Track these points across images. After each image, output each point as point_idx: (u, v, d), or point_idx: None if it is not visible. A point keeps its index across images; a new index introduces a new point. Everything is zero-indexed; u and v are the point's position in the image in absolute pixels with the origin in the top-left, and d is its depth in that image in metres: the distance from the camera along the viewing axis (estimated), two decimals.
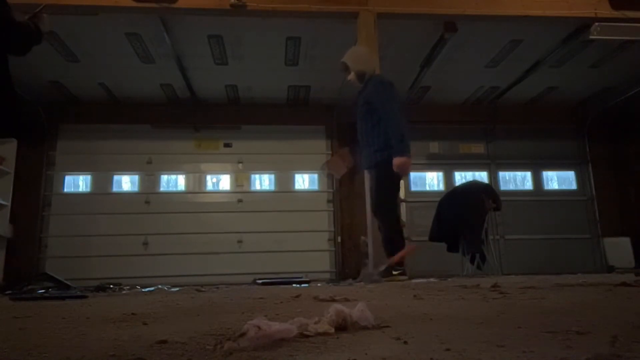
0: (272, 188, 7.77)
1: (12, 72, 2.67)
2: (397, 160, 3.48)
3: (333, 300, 1.84)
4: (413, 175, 8.02)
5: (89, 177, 7.52)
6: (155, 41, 5.72)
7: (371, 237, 4.56)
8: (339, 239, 7.53)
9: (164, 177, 7.62)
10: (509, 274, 6.46)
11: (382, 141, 3.58)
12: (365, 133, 3.71)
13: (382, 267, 3.70)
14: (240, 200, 7.56)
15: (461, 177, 7.99)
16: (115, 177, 7.56)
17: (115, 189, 7.54)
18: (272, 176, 7.77)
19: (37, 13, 3.02)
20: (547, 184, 8.20)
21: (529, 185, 8.17)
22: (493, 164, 8.12)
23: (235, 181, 7.66)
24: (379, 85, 3.66)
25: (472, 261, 5.62)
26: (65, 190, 7.46)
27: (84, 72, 6.52)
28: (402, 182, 8.08)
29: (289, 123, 7.78)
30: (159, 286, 4.49)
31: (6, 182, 6.84)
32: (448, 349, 0.84)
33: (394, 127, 3.52)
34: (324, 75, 6.83)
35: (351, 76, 3.79)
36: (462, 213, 5.60)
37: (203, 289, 3.44)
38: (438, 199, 6.10)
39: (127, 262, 7.09)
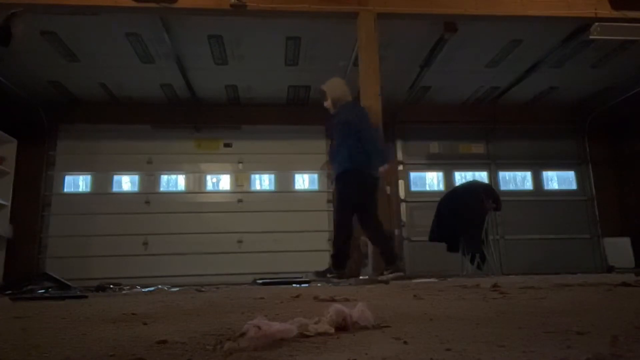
0: (272, 188, 7.77)
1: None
2: (382, 169, 4.07)
3: (333, 300, 1.84)
4: (413, 175, 8.02)
5: (89, 177, 7.52)
6: (155, 41, 5.72)
7: None
8: None
9: (164, 177, 7.62)
10: (509, 274, 6.46)
11: (345, 157, 4.04)
12: (336, 150, 4.19)
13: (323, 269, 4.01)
14: (240, 200, 7.56)
15: (461, 177, 7.99)
16: (115, 177, 7.56)
17: (115, 189, 7.54)
18: (272, 176, 7.78)
19: (13, 15, 2.95)
20: (547, 184, 8.20)
21: (529, 185, 8.17)
22: (493, 164, 8.13)
23: (235, 181, 7.67)
24: (362, 110, 4.36)
25: (472, 261, 5.62)
26: (65, 190, 7.46)
27: (84, 72, 6.52)
28: (401, 183, 8.07)
29: (289, 123, 7.78)
30: (159, 286, 4.49)
31: (6, 182, 6.85)
32: (448, 349, 0.84)
33: (373, 145, 4.07)
34: (324, 75, 6.78)
35: (327, 102, 4.36)
36: (462, 213, 5.60)
37: (203, 289, 3.44)
38: (438, 199, 6.10)
39: (127, 262, 7.09)
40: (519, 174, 8.24)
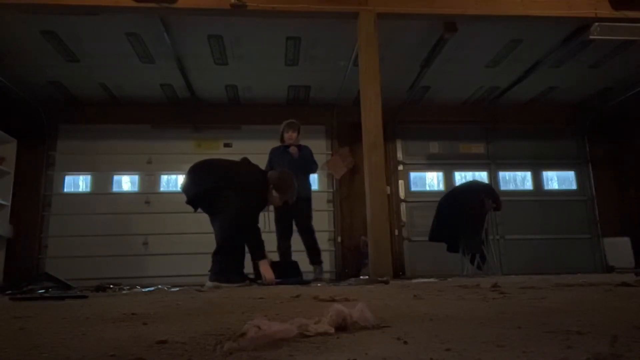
0: None
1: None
2: None
3: (333, 300, 1.84)
4: (413, 175, 8.03)
5: (89, 177, 7.52)
6: (155, 41, 5.72)
7: (371, 237, 4.56)
8: (339, 239, 7.52)
9: (164, 177, 7.62)
10: (509, 274, 6.47)
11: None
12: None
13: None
14: None
15: (461, 177, 7.99)
16: (115, 177, 7.56)
17: (115, 189, 7.54)
18: None
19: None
20: (547, 184, 8.20)
21: (529, 185, 8.17)
22: (493, 164, 8.13)
23: None
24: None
25: (472, 261, 5.62)
26: (65, 190, 7.46)
27: (84, 72, 6.52)
28: (401, 183, 8.12)
29: None
30: (159, 286, 4.49)
31: (6, 182, 6.85)
32: (448, 349, 0.84)
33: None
34: (324, 75, 6.83)
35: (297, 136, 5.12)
36: (462, 213, 5.60)
37: (203, 289, 3.45)
38: (438, 199, 6.11)
39: (127, 262, 7.09)
40: (519, 174, 8.24)
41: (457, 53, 6.18)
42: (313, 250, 5.05)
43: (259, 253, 3.99)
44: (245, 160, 4.33)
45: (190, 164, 4.22)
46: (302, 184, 4.94)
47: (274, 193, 4.14)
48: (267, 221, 4.34)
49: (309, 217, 5.10)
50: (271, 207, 4.46)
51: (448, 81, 7.15)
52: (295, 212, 4.98)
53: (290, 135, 5.12)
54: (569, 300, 1.74)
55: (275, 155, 5.17)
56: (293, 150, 4.98)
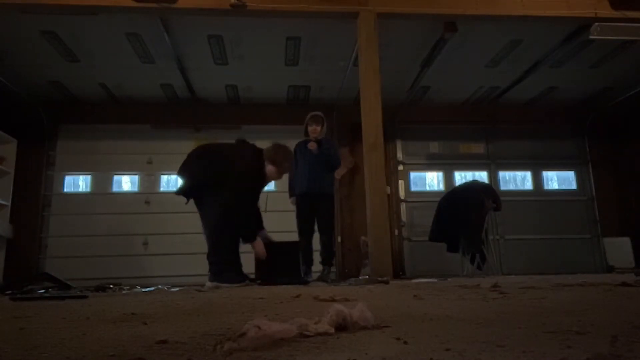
0: (272, 188, 7.75)
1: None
2: None
3: (333, 300, 1.84)
4: (413, 175, 8.03)
5: (89, 177, 7.52)
6: (155, 41, 5.72)
7: (371, 237, 4.56)
8: (339, 239, 7.52)
9: (164, 177, 7.62)
10: (509, 274, 6.47)
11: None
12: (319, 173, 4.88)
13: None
14: None
15: (461, 177, 7.99)
16: (115, 177, 7.56)
17: (115, 189, 7.53)
18: None
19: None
20: (547, 184, 8.20)
21: (529, 185, 8.17)
22: (493, 164, 8.12)
23: None
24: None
25: (472, 261, 5.63)
26: (65, 190, 7.45)
27: (84, 72, 6.52)
28: (401, 183, 8.12)
29: (289, 123, 7.76)
30: (159, 286, 4.49)
31: (6, 182, 6.85)
32: (448, 349, 0.84)
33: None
34: (324, 75, 6.83)
35: (321, 129, 4.95)
36: (462, 213, 5.60)
37: (203, 289, 3.45)
38: (438, 199, 6.11)
39: (127, 262, 7.09)
40: (519, 174, 8.23)
41: (457, 53, 6.18)
42: (327, 251, 4.91)
43: (249, 235, 3.94)
44: (240, 142, 4.24)
45: None
46: (323, 181, 4.86)
47: (271, 168, 4.06)
48: (266, 203, 4.29)
49: (331, 217, 5.03)
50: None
51: (448, 81, 7.15)
52: (318, 210, 4.87)
53: (313, 129, 4.92)
54: (569, 300, 1.74)
55: (298, 151, 4.99)
56: (312, 145, 4.78)
